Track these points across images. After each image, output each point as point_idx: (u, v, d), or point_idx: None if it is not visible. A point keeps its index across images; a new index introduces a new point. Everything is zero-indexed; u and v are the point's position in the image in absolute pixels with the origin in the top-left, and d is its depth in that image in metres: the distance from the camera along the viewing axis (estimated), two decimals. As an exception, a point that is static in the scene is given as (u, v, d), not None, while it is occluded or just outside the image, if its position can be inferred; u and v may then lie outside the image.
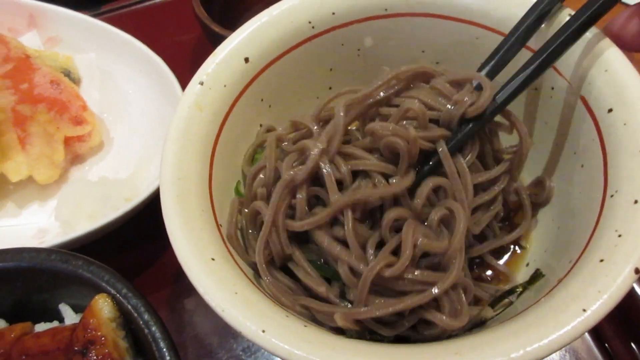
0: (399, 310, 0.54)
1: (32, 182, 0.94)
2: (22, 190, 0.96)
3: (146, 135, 0.99)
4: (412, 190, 0.59)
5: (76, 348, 0.58)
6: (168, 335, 0.60)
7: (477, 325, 0.60)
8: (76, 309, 0.67)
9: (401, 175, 0.59)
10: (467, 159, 0.60)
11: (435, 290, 0.54)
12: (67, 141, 0.96)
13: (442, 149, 0.58)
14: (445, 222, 0.58)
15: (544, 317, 0.48)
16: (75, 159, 1.00)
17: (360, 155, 0.60)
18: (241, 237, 0.66)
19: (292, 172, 0.59)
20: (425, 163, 0.60)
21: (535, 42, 0.64)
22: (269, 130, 0.74)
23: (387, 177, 0.59)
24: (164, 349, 0.59)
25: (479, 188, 0.63)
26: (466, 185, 0.59)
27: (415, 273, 0.55)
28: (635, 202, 0.51)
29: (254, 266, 0.63)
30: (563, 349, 0.72)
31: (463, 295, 0.56)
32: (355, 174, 0.60)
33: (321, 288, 0.59)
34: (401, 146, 0.57)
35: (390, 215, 0.57)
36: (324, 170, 0.58)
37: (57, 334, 0.61)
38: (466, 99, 0.58)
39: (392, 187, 0.58)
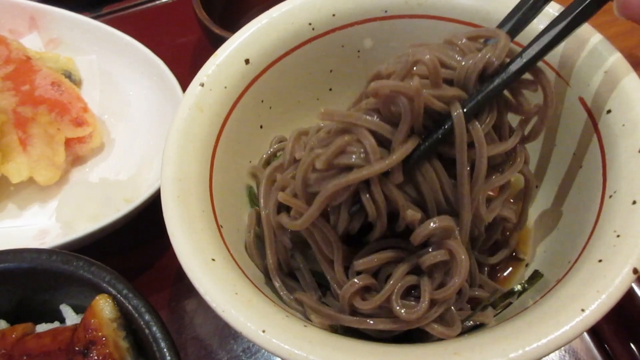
0: (378, 329, 0.55)
1: (32, 184, 0.94)
2: (23, 191, 0.96)
3: (147, 136, 0.99)
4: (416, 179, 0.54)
5: (77, 348, 0.59)
6: (169, 335, 0.60)
7: (476, 326, 0.60)
8: (77, 310, 0.67)
9: (400, 141, 0.50)
10: (483, 126, 0.52)
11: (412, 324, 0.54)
12: (68, 142, 0.96)
13: (457, 112, 0.50)
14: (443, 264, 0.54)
15: (542, 317, 0.48)
16: (76, 160, 1.01)
17: (344, 113, 0.53)
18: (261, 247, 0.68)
19: (266, 171, 0.66)
20: (435, 131, 0.51)
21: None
22: (281, 141, 0.76)
23: (381, 139, 0.52)
24: (165, 350, 0.59)
25: (492, 164, 0.55)
26: (480, 159, 0.52)
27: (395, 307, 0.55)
28: (634, 202, 0.51)
29: (265, 271, 0.65)
30: (562, 349, 0.73)
31: (453, 309, 0.56)
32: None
33: (312, 298, 0.62)
34: (403, 102, 0.48)
35: (380, 261, 0.57)
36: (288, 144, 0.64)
37: (58, 335, 0.62)
38: (484, 51, 0.51)
39: (378, 164, 0.50)
